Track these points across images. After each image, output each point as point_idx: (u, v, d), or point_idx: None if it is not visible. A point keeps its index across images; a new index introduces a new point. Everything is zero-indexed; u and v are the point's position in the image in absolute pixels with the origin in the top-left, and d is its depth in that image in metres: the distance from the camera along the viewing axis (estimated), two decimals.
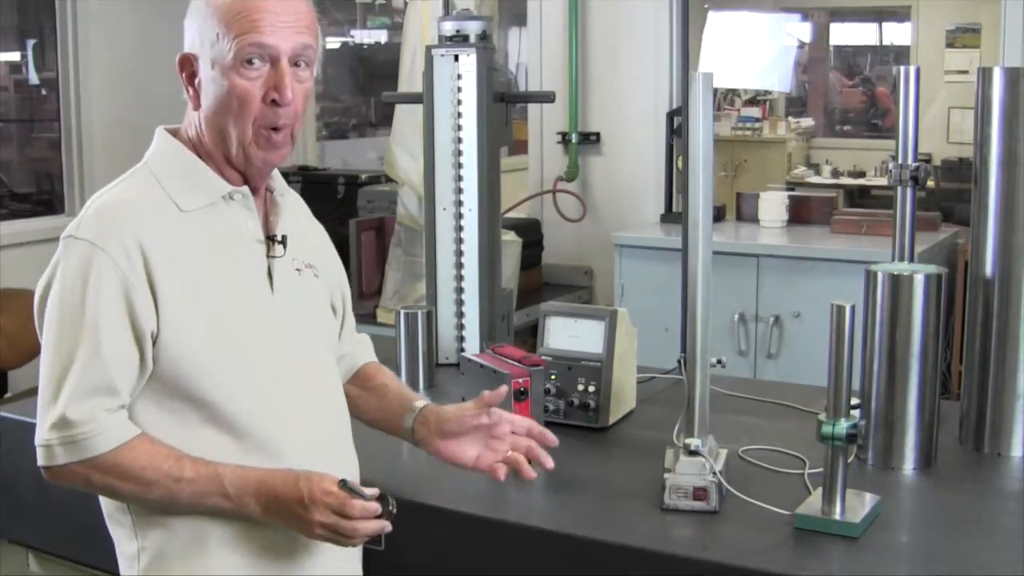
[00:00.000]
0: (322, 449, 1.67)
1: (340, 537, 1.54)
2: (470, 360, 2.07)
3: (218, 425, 1.59)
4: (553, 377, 2.19)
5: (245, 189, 1.65)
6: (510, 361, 2.02)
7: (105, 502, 1.67)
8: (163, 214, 1.59)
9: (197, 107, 1.63)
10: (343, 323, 1.87)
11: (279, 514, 1.55)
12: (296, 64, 1.61)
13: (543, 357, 2.21)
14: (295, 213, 1.76)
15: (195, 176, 1.63)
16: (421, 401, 1.83)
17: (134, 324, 1.54)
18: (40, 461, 1.57)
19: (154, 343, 1.56)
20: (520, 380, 1.97)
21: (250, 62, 1.58)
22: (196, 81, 1.63)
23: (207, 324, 1.58)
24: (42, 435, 1.56)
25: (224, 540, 1.60)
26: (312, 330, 1.73)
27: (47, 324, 1.57)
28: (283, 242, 1.68)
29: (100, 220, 1.57)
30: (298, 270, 1.71)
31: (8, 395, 4.31)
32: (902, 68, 2.22)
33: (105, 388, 1.54)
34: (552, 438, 1.76)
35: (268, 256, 1.67)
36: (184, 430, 1.58)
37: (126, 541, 1.64)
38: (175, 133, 1.69)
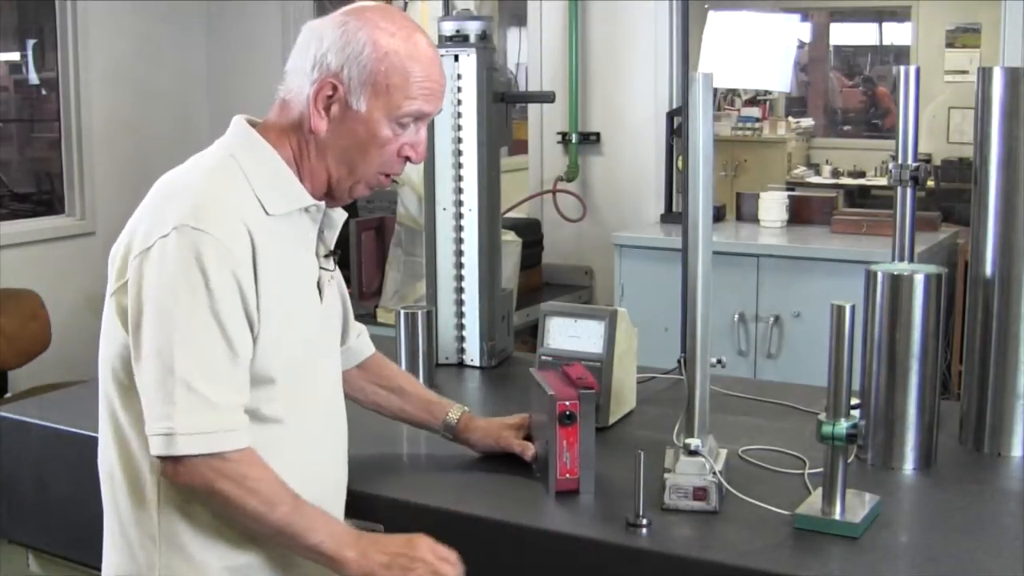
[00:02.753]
0: (323, 449, 1.72)
1: None
2: (532, 374, 2.01)
3: (256, 417, 1.60)
4: None
5: (322, 204, 1.68)
6: (565, 380, 1.91)
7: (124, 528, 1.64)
8: (256, 213, 1.60)
9: (320, 131, 1.62)
10: (345, 312, 1.93)
11: (376, 555, 1.57)
12: None
13: (543, 357, 2.21)
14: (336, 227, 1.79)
15: (283, 183, 1.64)
16: (452, 412, 2.01)
17: (246, 310, 1.55)
18: (159, 450, 1.52)
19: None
20: (567, 403, 1.82)
21: (406, 124, 1.62)
22: (332, 109, 1.61)
23: (281, 323, 1.60)
24: (165, 423, 1.51)
25: None
26: (336, 339, 1.82)
27: (158, 313, 1.52)
28: (335, 257, 1.75)
29: (213, 211, 1.55)
30: (330, 280, 1.77)
31: (8, 395, 4.31)
32: (902, 68, 2.21)
33: (235, 380, 1.54)
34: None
35: (321, 268, 1.72)
36: None
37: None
38: (256, 128, 1.67)
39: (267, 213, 1.60)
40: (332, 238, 1.75)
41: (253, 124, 1.68)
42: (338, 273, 1.85)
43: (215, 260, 1.51)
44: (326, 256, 1.73)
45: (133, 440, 1.61)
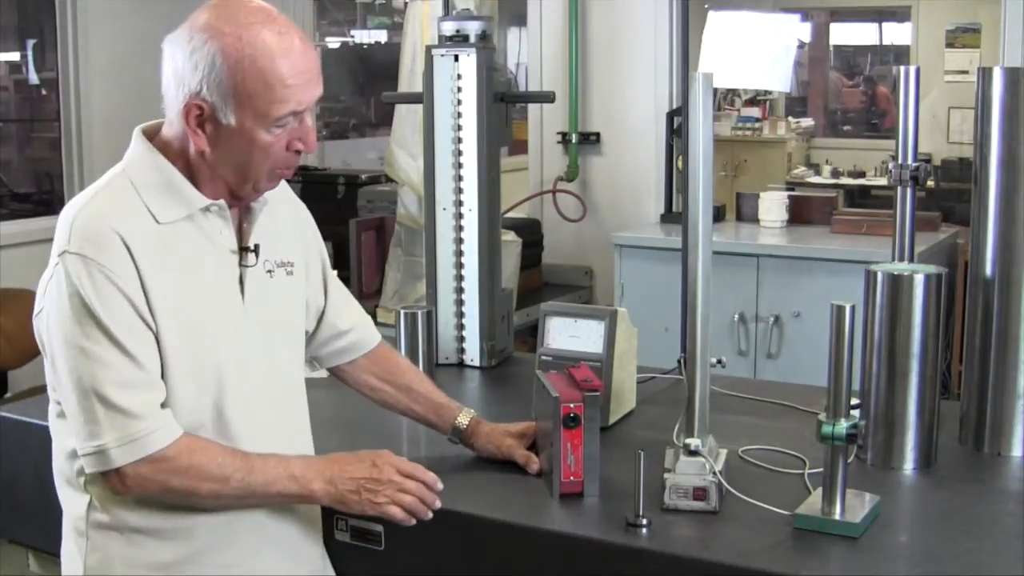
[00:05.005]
0: (277, 446, 1.71)
1: (403, 496, 1.66)
2: (538, 376, 2.01)
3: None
4: None
5: (221, 202, 1.67)
6: (570, 382, 1.89)
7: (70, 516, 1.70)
8: (143, 225, 1.61)
9: (203, 150, 1.61)
10: (327, 293, 1.92)
11: (344, 483, 1.64)
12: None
13: (543, 357, 2.21)
14: (270, 214, 1.76)
15: (173, 189, 1.64)
16: (461, 417, 2.01)
17: (145, 322, 1.58)
18: (95, 467, 1.57)
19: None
20: (571, 405, 1.80)
21: (284, 124, 1.60)
22: (205, 127, 1.60)
23: (181, 330, 1.61)
24: (94, 441, 1.55)
25: None
26: (279, 331, 1.78)
27: (62, 341, 1.57)
28: (255, 251, 1.71)
29: (89, 232, 1.57)
30: (269, 271, 1.74)
31: (8, 395, 4.31)
32: (902, 68, 2.22)
33: (146, 383, 1.57)
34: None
35: (240, 265, 1.70)
36: None
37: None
38: (153, 134, 1.69)
39: (158, 222, 1.61)
40: (250, 231, 1.72)
41: (154, 132, 1.69)
42: (311, 244, 1.86)
43: (95, 279, 1.54)
44: (244, 251, 1.70)
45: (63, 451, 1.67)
